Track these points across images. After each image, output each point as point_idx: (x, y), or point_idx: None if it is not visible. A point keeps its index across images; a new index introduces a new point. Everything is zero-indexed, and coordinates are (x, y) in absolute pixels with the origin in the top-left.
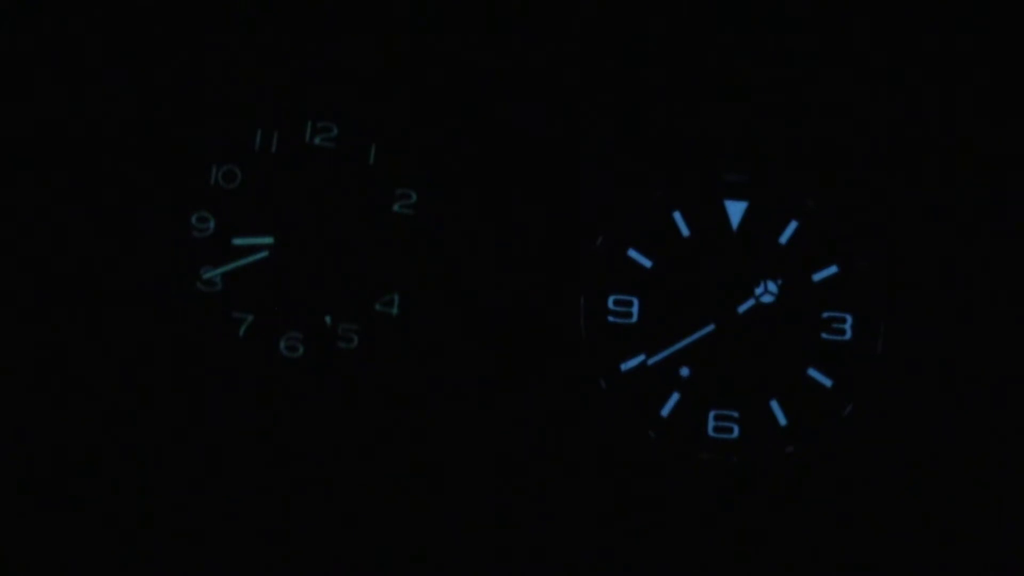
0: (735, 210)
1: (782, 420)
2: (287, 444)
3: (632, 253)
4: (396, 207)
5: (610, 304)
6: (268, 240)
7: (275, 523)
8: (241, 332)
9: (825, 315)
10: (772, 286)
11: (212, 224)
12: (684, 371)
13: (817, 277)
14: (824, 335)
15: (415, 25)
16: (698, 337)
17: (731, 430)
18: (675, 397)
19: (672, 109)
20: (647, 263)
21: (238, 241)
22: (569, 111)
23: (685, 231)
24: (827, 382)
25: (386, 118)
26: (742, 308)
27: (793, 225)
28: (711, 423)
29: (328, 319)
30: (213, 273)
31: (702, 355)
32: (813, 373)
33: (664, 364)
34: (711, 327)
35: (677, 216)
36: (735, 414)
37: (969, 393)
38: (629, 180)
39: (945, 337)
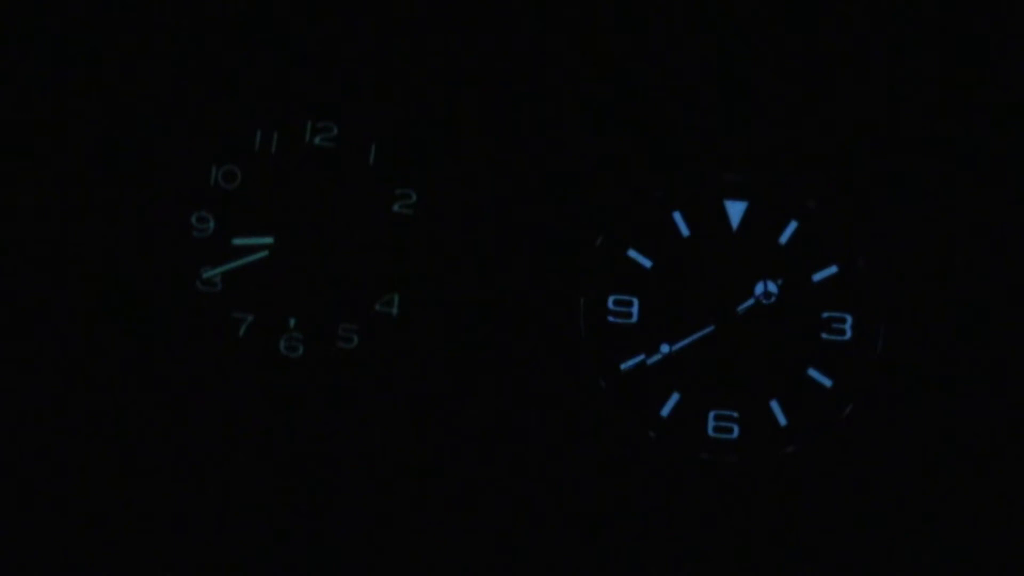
0: (735, 210)
1: (782, 420)
2: (287, 444)
3: (632, 253)
4: (396, 207)
5: (610, 304)
6: (268, 240)
7: (275, 523)
8: (241, 332)
9: (825, 315)
10: (772, 286)
11: (212, 224)
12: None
13: (817, 277)
14: (824, 335)
15: (415, 25)
16: (698, 337)
17: (731, 430)
18: (675, 397)
19: (672, 109)
20: (647, 263)
21: (238, 241)
22: (569, 111)
23: (685, 231)
24: (827, 382)
25: (386, 118)
26: (742, 308)
27: (793, 225)
28: (711, 423)
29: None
30: (213, 273)
31: (702, 355)
32: (813, 373)
33: (664, 364)
34: (711, 327)
35: (677, 216)
36: (735, 414)
37: (969, 393)
38: (629, 180)
39: (945, 337)
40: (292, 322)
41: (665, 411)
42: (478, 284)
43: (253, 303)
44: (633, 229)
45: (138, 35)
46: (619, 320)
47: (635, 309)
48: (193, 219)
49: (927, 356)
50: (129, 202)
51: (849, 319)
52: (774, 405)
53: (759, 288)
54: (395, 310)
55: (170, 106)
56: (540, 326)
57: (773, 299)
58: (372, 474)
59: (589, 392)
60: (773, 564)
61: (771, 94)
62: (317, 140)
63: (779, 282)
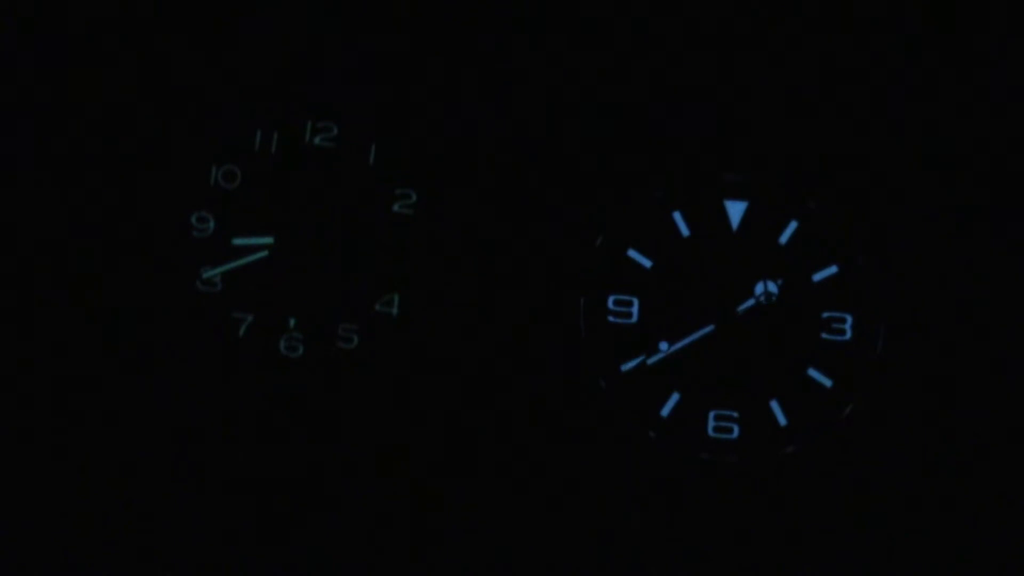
0: (735, 210)
1: (782, 420)
2: (287, 444)
3: (632, 253)
4: (396, 207)
5: (610, 304)
6: (268, 240)
7: (275, 523)
8: (241, 332)
9: (825, 315)
10: (772, 286)
11: (212, 224)
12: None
13: (817, 277)
14: (824, 335)
15: (415, 25)
16: (698, 337)
17: (731, 430)
18: (675, 397)
19: (672, 109)
20: (647, 263)
21: (238, 241)
22: (569, 111)
23: (685, 231)
24: (827, 382)
25: (386, 118)
26: (742, 308)
27: (793, 225)
28: (711, 423)
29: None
30: (213, 273)
31: (702, 355)
32: (813, 373)
33: (664, 364)
34: (711, 327)
35: (677, 216)
36: (735, 414)
37: (969, 393)
38: (629, 180)
39: (945, 337)
40: (292, 322)
41: (665, 411)
42: (478, 284)
43: (253, 303)
44: (633, 229)
45: (138, 35)
46: (619, 320)
47: (635, 309)
48: (193, 219)
49: (927, 356)
50: (129, 202)
51: (849, 319)
52: (774, 405)
53: (759, 288)
54: (395, 310)
55: (170, 106)
56: (540, 326)
57: (773, 299)
58: (372, 474)
59: (589, 392)
60: (773, 564)
61: (771, 94)
62: (317, 140)
63: (779, 282)
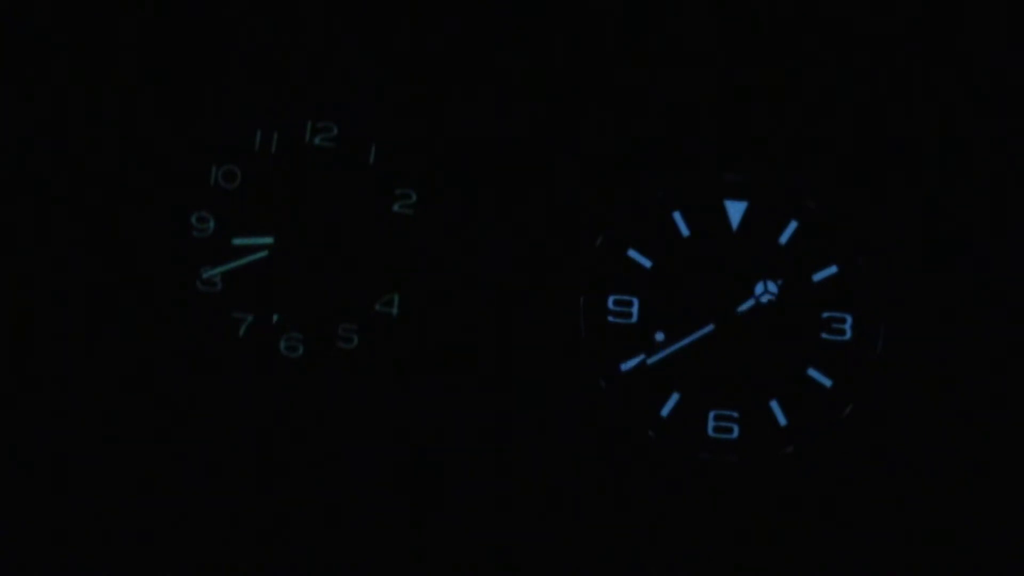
0: (735, 210)
1: (782, 420)
2: (287, 444)
3: (632, 253)
4: (396, 207)
5: (610, 304)
6: (268, 240)
7: (275, 523)
8: (241, 332)
9: (825, 315)
10: (772, 286)
11: (212, 224)
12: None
13: (817, 277)
14: (824, 335)
15: (415, 25)
16: (698, 337)
17: (731, 430)
18: (675, 397)
19: (672, 109)
20: (647, 263)
21: (238, 241)
22: (569, 111)
23: (685, 231)
24: (827, 382)
25: (386, 118)
26: (742, 308)
27: (793, 225)
28: (711, 423)
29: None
30: (213, 273)
31: (702, 355)
32: (813, 373)
33: (664, 364)
34: (711, 327)
35: (677, 216)
36: (735, 414)
37: (969, 393)
38: (629, 180)
39: (945, 337)
40: (291, 322)
41: (665, 411)
42: (478, 284)
43: (253, 303)
44: (633, 229)
45: (139, 35)
46: (619, 320)
47: (635, 309)
48: (193, 219)
49: (927, 356)
50: (129, 202)
51: (849, 319)
52: (774, 405)
53: (759, 288)
54: (395, 310)
55: (170, 106)
56: (540, 326)
57: (773, 299)
58: (372, 474)
59: (589, 392)
60: (773, 564)
61: (771, 94)
62: (317, 140)
63: (779, 282)
